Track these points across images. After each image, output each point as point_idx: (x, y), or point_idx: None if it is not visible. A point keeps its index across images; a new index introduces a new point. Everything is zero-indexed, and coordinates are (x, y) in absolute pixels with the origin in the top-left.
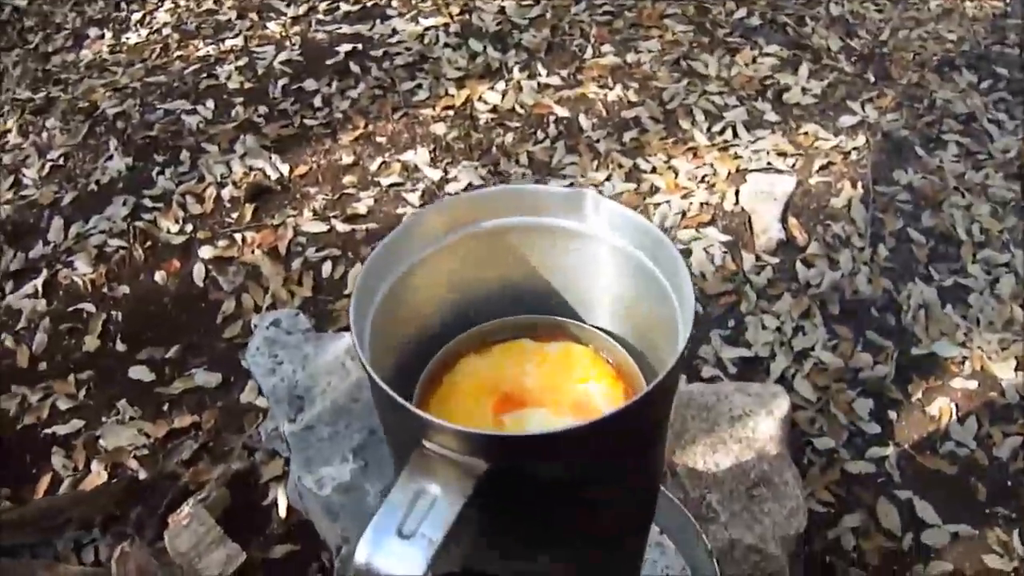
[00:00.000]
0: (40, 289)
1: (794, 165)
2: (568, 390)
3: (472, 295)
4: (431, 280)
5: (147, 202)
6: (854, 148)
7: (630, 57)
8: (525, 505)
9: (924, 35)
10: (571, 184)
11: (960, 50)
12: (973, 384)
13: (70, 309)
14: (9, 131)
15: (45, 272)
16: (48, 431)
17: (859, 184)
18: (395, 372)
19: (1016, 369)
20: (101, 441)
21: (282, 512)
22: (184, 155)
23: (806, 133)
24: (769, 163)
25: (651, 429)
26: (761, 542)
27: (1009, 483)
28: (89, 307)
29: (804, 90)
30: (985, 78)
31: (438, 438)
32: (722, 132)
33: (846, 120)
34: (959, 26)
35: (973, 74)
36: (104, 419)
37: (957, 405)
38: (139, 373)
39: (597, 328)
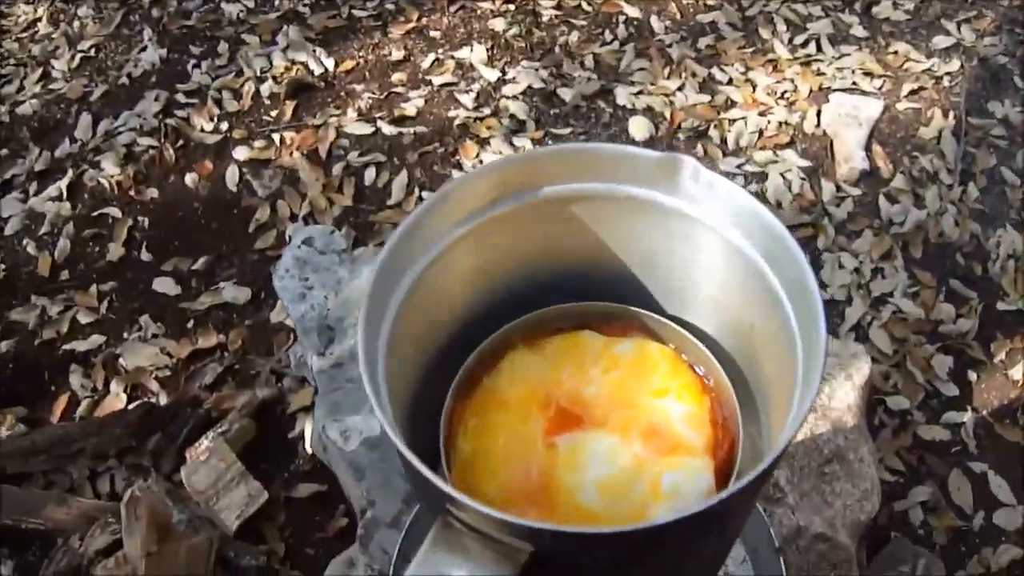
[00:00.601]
0: (64, 191)
1: (881, 87)
2: (641, 406)
3: (526, 278)
4: (472, 261)
5: (181, 97)
6: (947, 73)
7: None
8: None
9: None
10: (639, 92)
11: None
12: None
13: (95, 214)
14: (39, 19)
15: (71, 173)
16: (67, 347)
17: (951, 114)
18: (425, 376)
19: None
20: (121, 360)
21: (308, 447)
22: (222, 47)
23: (896, 52)
24: (854, 83)
25: (734, 518)
26: (830, 529)
27: None
28: (115, 212)
29: (895, 4)
30: None
31: (472, 516)
32: (805, 45)
33: (940, 41)
34: None
35: None
36: (126, 335)
37: None
38: (164, 286)
39: (684, 324)
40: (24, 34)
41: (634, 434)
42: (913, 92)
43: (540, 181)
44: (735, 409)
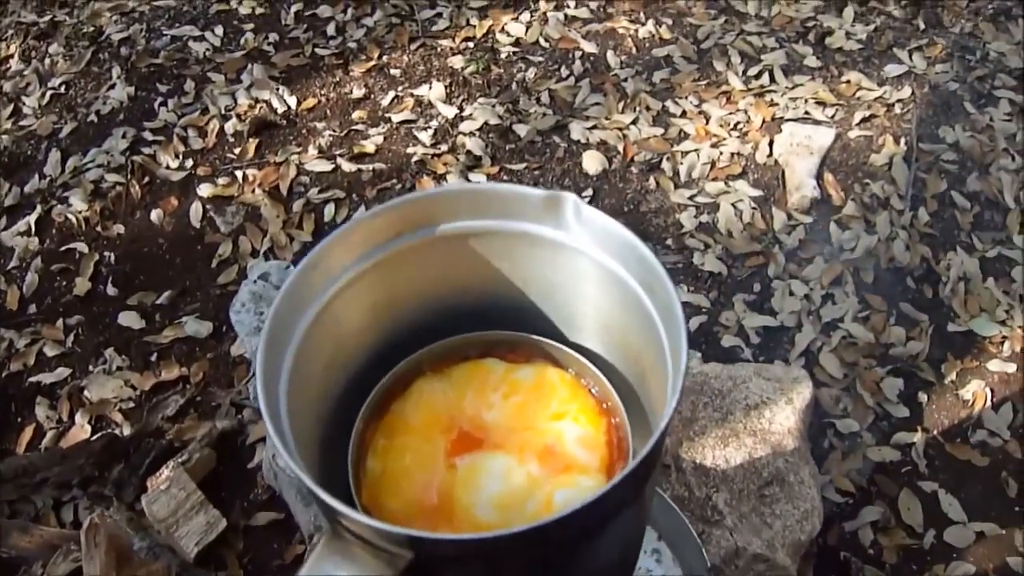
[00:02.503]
0: (33, 226)
1: (834, 116)
2: (539, 429)
3: (432, 309)
4: (377, 294)
5: (147, 135)
6: (899, 100)
7: None
8: None
9: None
10: (593, 127)
11: None
12: (1012, 367)
13: (63, 248)
14: (11, 56)
15: (39, 208)
16: (34, 379)
17: (902, 140)
18: (338, 399)
19: None
20: (86, 392)
21: (267, 478)
22: (189, 85)
23: (848, 81)
24: (807, 112)
25: (620, 516)
26: (769, 550)
27: None
28: (82, 247)
29: (848, 34)
30: None
31: (358, 526)
32: (758, 76)
33: (892, 69)
34: None
35: None
36: (91, 368)
37: (993, 390)
38: (129, 319)
39: (581, 350)
40: None
41: (530, 455)
42: (865, 120)
43: (438, 218)
44: (628, 430)
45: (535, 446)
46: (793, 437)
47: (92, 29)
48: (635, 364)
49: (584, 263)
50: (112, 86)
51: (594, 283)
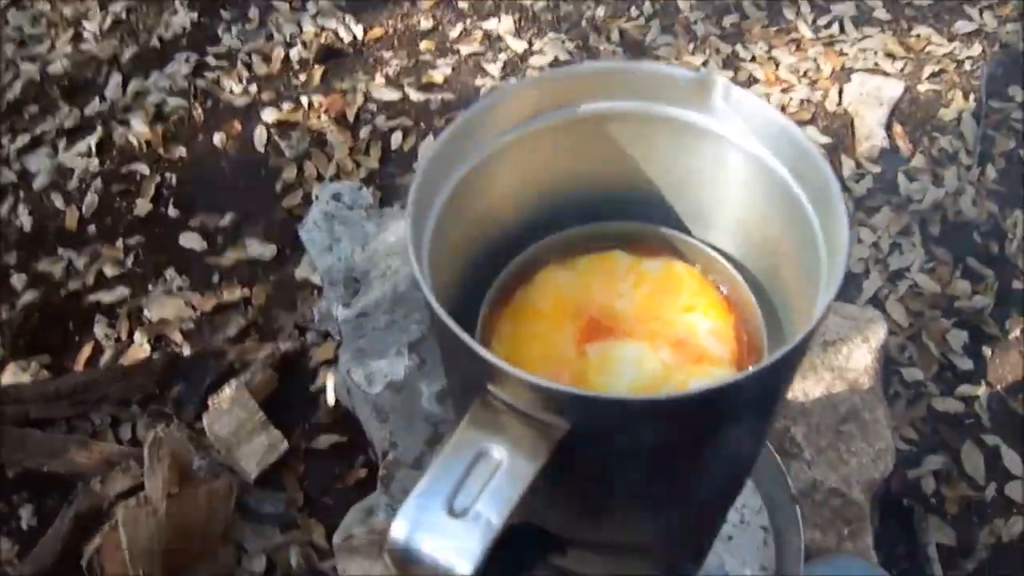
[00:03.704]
0: (93, 148)
1: (903, 69)
2: (669, 320)
3: (561, 195)
4: (511, 173)
5: (211, 60)
6: (968, 57)
7: None
8: (604, 471)
9: None
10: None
11: None
12: None
13: (123, 170)
14: None
15: (100, 130)
16: (92, 298)
17: (971, 97)
18: (461, 283)
19: None
20: (146, 312)
21: (330, 400)
22: (253, 11)
23: (918, 36)
24: (876, 64)
25: (769, 398)
26: (845, 485)
27: None
28: (143, 168)
29: None
30: None
31: (510, 389)
32: (828, 26)
33: (962, 26)
34: None
35: None
36: (151, 288)
37: None
38: (190, 241)
39: (710, 246)
40: None
41: (662, 344)
42: (934, 75)
43: (578, 97)
44: (759, 326)
45: (667, 336)
46: (869, 376)
47: None
48: (770, 259)
49: (729, 151)
50: (174, 12)
51: (738, 172)
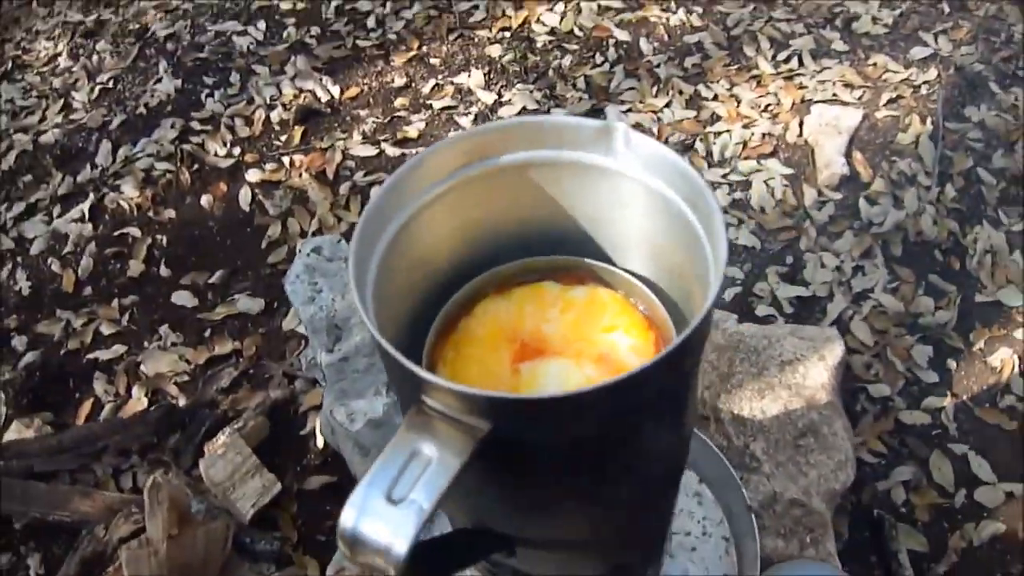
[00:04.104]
0: (87, 213)
1: (861, 97)
2: (593, 340)
3: (493, 236)
4: (446, 220)
5: (195, 125)
6: (925, 82)
7: None
8: (533, 468)
9: None
10: (628, 110)
11: None
12: None
13: (116, 233)
14: (60, 54)
15: (92, 196)
16: (91, 356)
17: (928, 120)
18: (410, 317)
19: None
20: (142, 367)
21: (319, 443)
22: (234, 77)
23: (875, 64)
24: (835, 94)
25: (674, 391)
26: (804, 496)
27: None
28: (135, 231)
29: (874, 19)
30: None
31: (437, 395)
32: (787, 60)
33: (918, 52)
34: None
35: None
36: (146, 344)
37: (1020, 357)
38: (182, 298)
39: (628, 272)
40: (45, 68)
41: (586, 360)
42: (892, 101)
43: (501, 149)
44: (674, 338)
45: (591, 353)
46: (826, 392)
47: (138, 26)
48: (680, 281)
49: (633, 187)
50: (159, 80)
51: (642, 206)
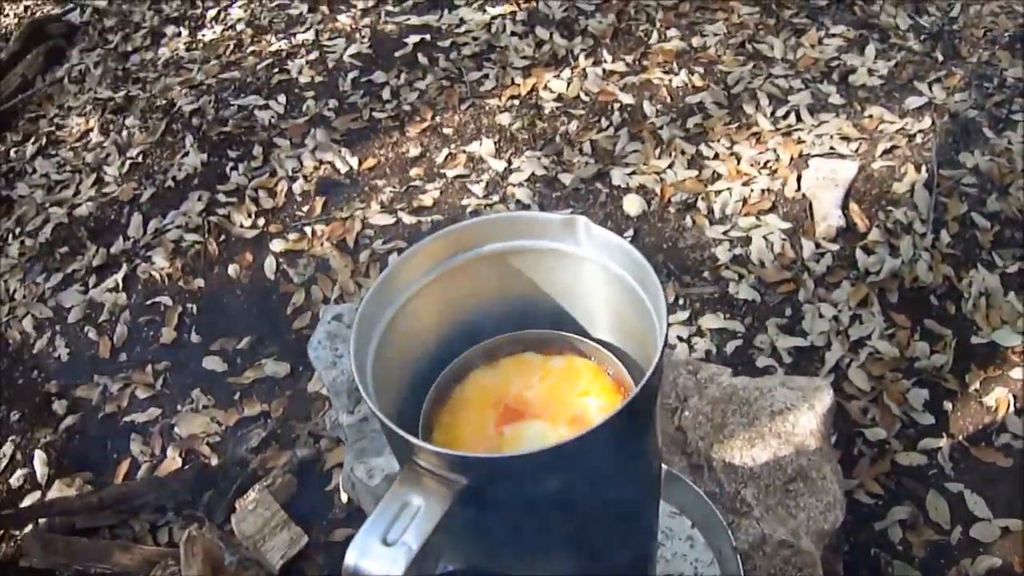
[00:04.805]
0: (120, 283)
1: (857, 149)
2: (569, 403)
3: (480, 314)
4: (436, 303)
5: (221, 197)
6: (920, 131)
7: (695, 41)
8: (508, 516)
9: (996, 10)
10: (632, 172)
11: None
12: None
13: (148, 302)
14: (91, 130)
15: (125, 267)
16: (127, 419)
17: (923, 168)
18: (410, 388)
19: None
20: (176, 429)
21: (343, 498)
22: (257, 150)
23: (871, 116)
24: (832, 148)
25: (629, 444)
26: (793, 537)
27: None
28: (166, 300)
29: (870, 71)
30: None
31: (423, 456)
32: (786, 116)
33: (912, 101)
34: None
35: None
36: (179, 408)
37: (1015, 396)
38: (212, 363)
39: (599, 342)
40: (78, 143)
41: (561, 422)
42: (887, 151)
43: (483, 240)
44: None
45: (565, 415)
46: (815, 438)
47: (164, 102)
48: (641, 347)
49: (595, 269)
50: (186, 153)
51: (604, 285)
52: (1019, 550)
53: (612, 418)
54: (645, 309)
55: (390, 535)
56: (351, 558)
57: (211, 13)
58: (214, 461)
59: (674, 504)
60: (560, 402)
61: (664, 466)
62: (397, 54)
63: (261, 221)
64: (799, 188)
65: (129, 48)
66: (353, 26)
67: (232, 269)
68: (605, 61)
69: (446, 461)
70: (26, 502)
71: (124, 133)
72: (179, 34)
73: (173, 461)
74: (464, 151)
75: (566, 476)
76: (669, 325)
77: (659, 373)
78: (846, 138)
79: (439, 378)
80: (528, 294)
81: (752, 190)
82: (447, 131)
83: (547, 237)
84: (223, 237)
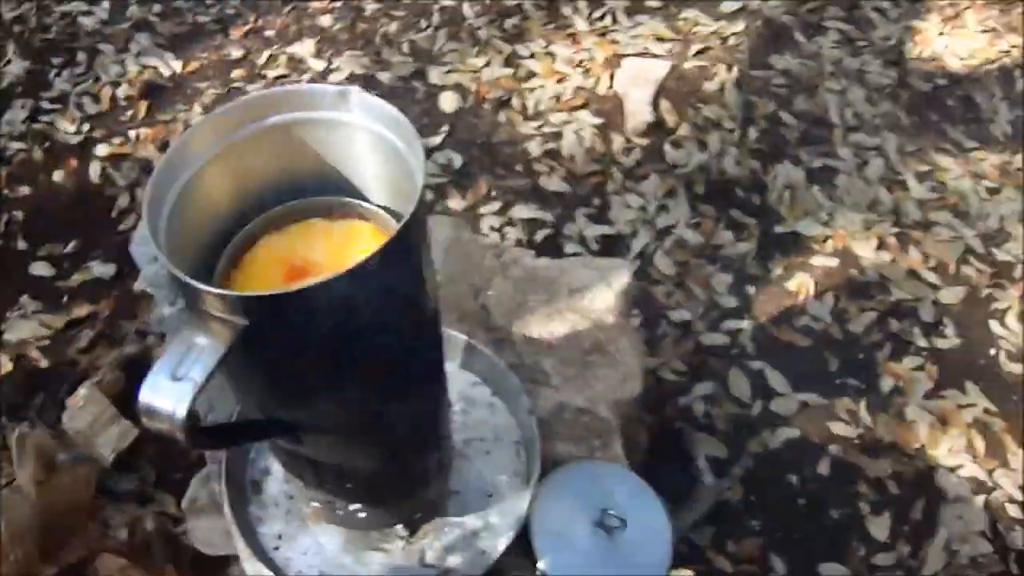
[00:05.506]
0: None
1: (671, 50)
2: (351, 260)
3: (268, 185)
4: (226, 173)
5: (45, 104)
6: (733, 34)
7: None
8: (288, 357)
9: None
10: (449, 71)
11: None
12: (834, 262)
13: None
14: None
15: None
16: None
17: (735, 69)
18: (202, 256)
19: (878, 248)
20: (6, 335)
21: None
22: (81, 56)
23: (686, 19)
24: (646, 48)
25: (399, 284)
26: (591, 405)
27: (861, 356)
28: None
29: None
30: None
31: (206, 301)
32: (602, 18)
33: (728, 6)
34: None
35: None
36: (8, 314)
37: (816, 282)
38: (40, 269)
39: (377, 205)
40: None
41: None
42: (700, 52)
43: (267, 112)
44: None
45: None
46: (612, 314)
47: None
48: (407, 205)
49: (368, 137)
50: (8, 62)
51: (377, 151)
52: (817, 422)
53: (373, 255)
54: (407, 168)
55: (179, 372)
56: (144, 396)
57: None
58: (44, 364)
59: (475, 374)
60: (343, 260)
61: (465, 337)
62: None
63: (86, 127)
64: (611, 86)
65: None
66: None
67: (58, 175)
68: None
69: (227, 302)
70: None
71: None
72: None
73: (3, 367)
74: (285, 52)
75: (334, 313)
76: (440, 187)
77: (419, 217)
78: (661, 39)
79: (230, 244)
80: (312, 165)
81: (565, 88)
82: (269, 33)
83: (324, 108)
84: (48, 144)
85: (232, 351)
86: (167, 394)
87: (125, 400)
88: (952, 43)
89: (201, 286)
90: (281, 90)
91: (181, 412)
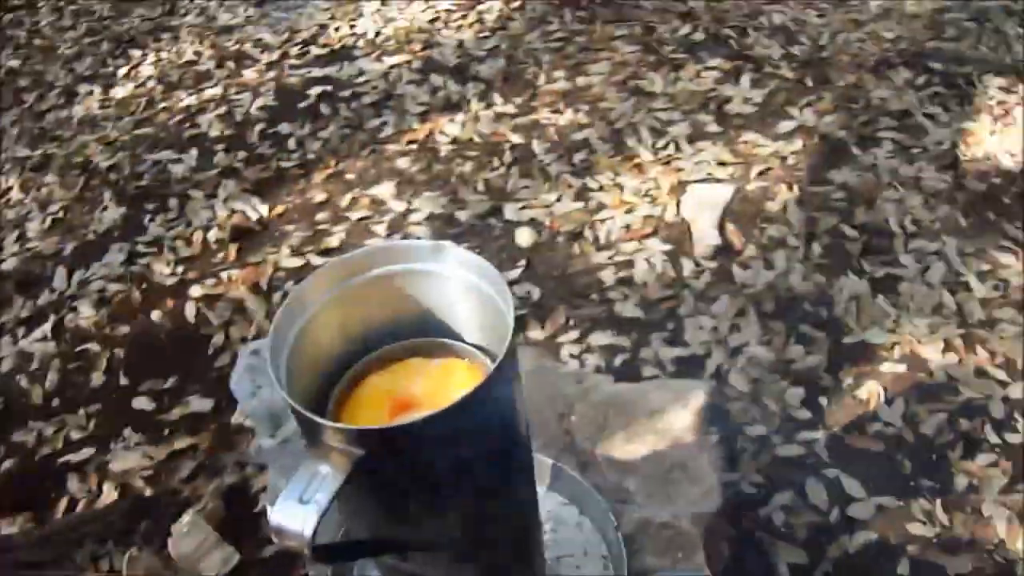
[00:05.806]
0: (49, 333)
1: (733, 173)
2: (449, 395)
3: (372, 328)
4: (335, 318)
5: (141, 248)
6: (791, 152)
7: (580, 81)
8: (399, 482)
9: (863, 36)
10: (523, 207)
11: (897, 48)
12: (902, 368)
13: (77, 349)
14: (11, 188)
15: (52, 317)
16: (63, 460)
17: (795, 187)
18: (315, 393)
19: (944, 350)
20: (111, 465)
21: (268, 506)
22: (172, 202)
23: (746, 142)
24: (709, 173)
25: (493, 415)
26: (674, 519)
27: (934, 457)
28: (94, 347)
29: (745, 99)
30: (920, 74)
31: (328, 435)
32: (666, 147)
33: (785, 126)
34: (898, 24)
35: (909, 71)
36: (112, 446)
37: (886, 388)
38: (141, 403)
39: (472, 345)
40: None
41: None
42: (761, 173)
43: (372, 265)
44: None
45: (446, 403)
46: (691, 433)
47: (81, 159)
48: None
49: (461, 285)
50: (105, 208)
51: (471, 299)
52: (895, 524)
53: (474, 391)
54: (503, 314)
55: (304, 497)
56: (274, 518)
57: (122, 71)
58: (148, 492)
59: (564, 496)
60: (441, 395)
61: (552, 461)
62: (301, 105)
63: (180, 269)
64: (678, 213)
65: (44, 107)
66: (258, 80)
67: (155, 315)
68: (496, 104)
69: (345, 435)
70: None
71: (44, 190)
72: (92, 92)
73: (109, 496)
74: (367, 194)
75: (440, 444)
76: (521, 319)
77: (511, 356)
78: (722, 163)
79: (340, 381)
80: (411, 309)
81: (634, 217)
82: (350, 176)
83: (421, 260)
84: (145, 285)
85: (350, 478)
86: (296, 516)
87: (227, 526)
88: (1003, 140)
89: (325, 422)
90: (384, 245)
91: (308, 531)
